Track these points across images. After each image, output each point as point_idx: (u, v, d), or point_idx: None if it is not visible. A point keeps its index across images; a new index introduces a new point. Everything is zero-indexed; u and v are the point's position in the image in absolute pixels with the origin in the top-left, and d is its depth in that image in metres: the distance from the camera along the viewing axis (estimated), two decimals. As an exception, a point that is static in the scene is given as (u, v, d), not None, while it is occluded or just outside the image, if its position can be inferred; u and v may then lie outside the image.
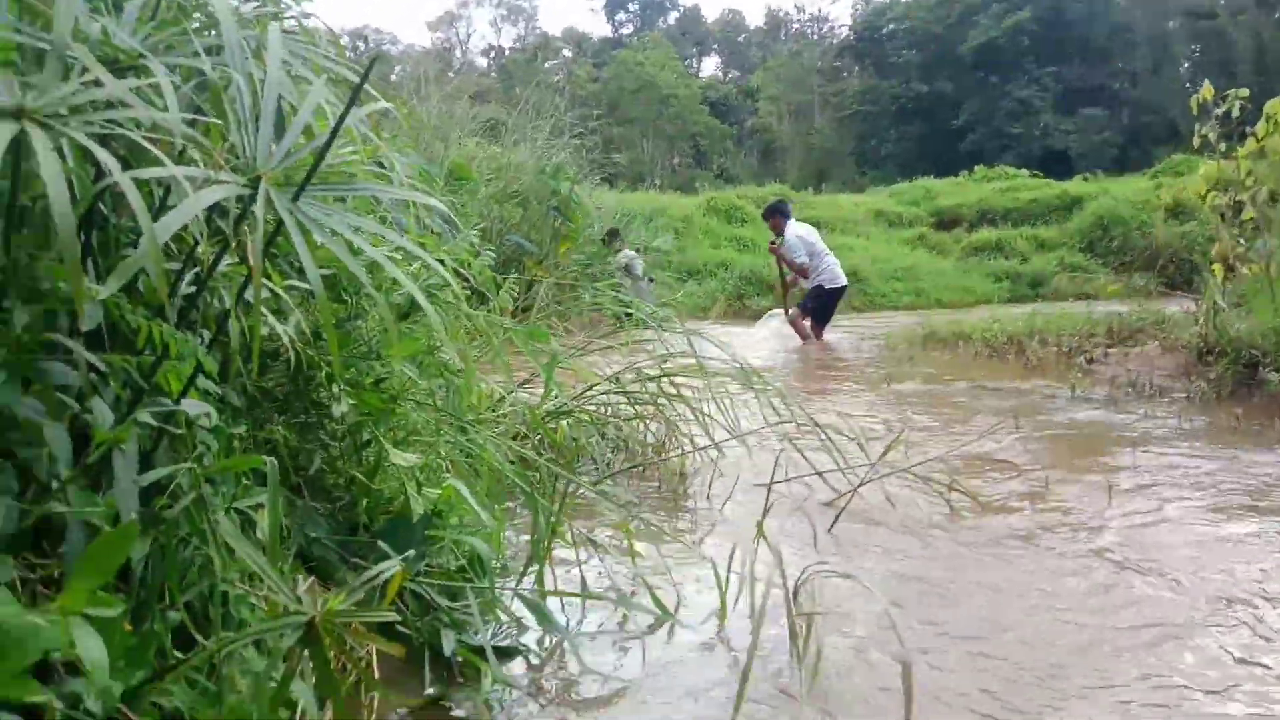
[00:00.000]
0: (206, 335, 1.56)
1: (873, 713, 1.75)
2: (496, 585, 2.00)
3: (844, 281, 9.65)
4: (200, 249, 1.38)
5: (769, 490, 2.82)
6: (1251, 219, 6.13)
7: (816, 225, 12.42)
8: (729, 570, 2.26)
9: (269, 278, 1.72)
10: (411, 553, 1.81)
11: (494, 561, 2.02)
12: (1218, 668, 1.93)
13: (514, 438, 2.87)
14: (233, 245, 1.56)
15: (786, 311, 9.82)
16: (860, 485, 3.05)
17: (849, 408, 4.90)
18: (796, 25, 64.27)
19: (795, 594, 2.28)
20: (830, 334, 9.39)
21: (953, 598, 2.35)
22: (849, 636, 2.08)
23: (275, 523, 1.36)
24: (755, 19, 77.91)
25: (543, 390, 2.98)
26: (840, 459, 3.23)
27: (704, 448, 3.43)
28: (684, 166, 50.79)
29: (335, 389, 1.87)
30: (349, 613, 1.00)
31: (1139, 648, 2.03)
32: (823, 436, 3.33)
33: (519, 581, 2.10)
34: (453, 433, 2.24)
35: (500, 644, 1.91)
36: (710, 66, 76.47)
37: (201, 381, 1.45)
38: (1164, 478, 3.50)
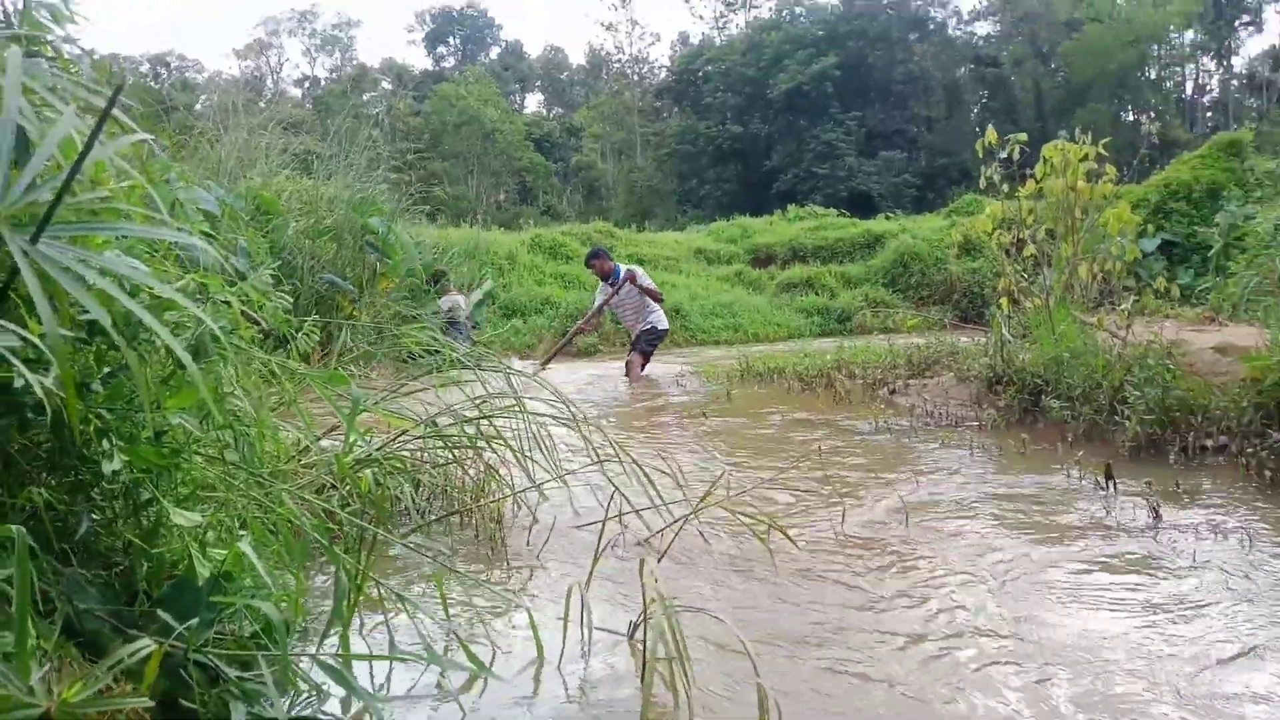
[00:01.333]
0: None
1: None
2: (295, 650, 1.87)
3: (667, 323, 9.92)
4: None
5: (602, 531, 2.80)
6: (1032, 255, 6.66)
7: (640, 263, 12.60)
8: (565, 616, 2.21)
9: (24, 325, 1.56)
10: (195, 620, 1.66)
11: (291, 624, 1.89)
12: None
13: (319, 490, 2.72)
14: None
15: (542, 369, 8.57)
16: (680, 523, 3.06)
17: (668, 445, 4.95)
18: (617, 64, 65.49)
19: (632, 635, 2.25)
20: (653, 368, 9.51)
21: (772, 625, 2.39)
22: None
23: (24, 597, 1.21)
24: (577, 57, 78.90)
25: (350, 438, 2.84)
26: (660, 498, 3.23)
27: (523, 490, 3.36)
28: (509, 203, 50.64)
29: (105, 444, 1.71)
30: (91, 701, 0.89)
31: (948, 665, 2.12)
32: (643, 476, 3.33)
33: (320, 645, 1.97)
34: (247, 487, 2.09)
35: (300, 714, 1.78)
36: (534, 103, 76.97)
37: (-64, 444, 1.29)
38: (955, 502, 3.71)
